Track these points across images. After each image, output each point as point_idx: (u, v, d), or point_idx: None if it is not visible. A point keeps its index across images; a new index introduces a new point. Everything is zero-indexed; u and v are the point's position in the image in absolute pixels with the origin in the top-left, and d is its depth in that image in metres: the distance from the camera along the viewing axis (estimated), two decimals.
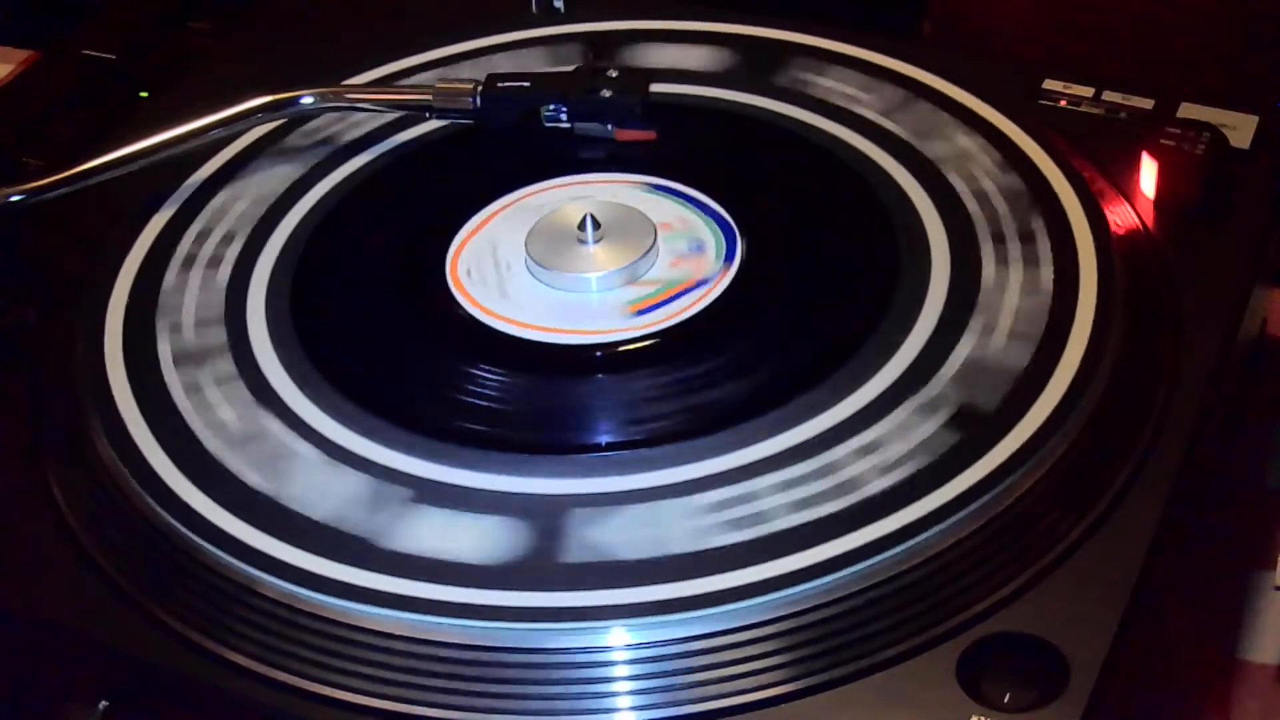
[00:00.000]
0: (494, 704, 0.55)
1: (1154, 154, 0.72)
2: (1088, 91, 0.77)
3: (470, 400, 0.65)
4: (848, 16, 0.82)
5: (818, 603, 0.56)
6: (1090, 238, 0.68)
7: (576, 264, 0.69)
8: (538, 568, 0.58)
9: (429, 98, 0.76)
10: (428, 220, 0.73)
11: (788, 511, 0.59)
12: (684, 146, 0.76)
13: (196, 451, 0.63)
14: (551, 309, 0.69)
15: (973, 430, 0.61)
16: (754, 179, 0.74)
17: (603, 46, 0.80)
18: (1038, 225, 0.69)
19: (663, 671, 0.55)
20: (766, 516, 0.58)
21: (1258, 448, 0.79)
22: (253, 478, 0.62)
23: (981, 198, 0.71)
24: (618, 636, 0.56)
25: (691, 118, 0.77)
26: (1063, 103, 0.77)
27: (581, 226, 0.70)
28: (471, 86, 0.75)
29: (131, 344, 0.68)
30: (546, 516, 0.59)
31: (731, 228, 0.71)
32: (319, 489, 0.61)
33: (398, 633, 0.57)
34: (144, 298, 0.70)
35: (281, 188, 0.75)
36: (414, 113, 0.77)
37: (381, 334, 0.69)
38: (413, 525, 0.59)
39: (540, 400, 0.65)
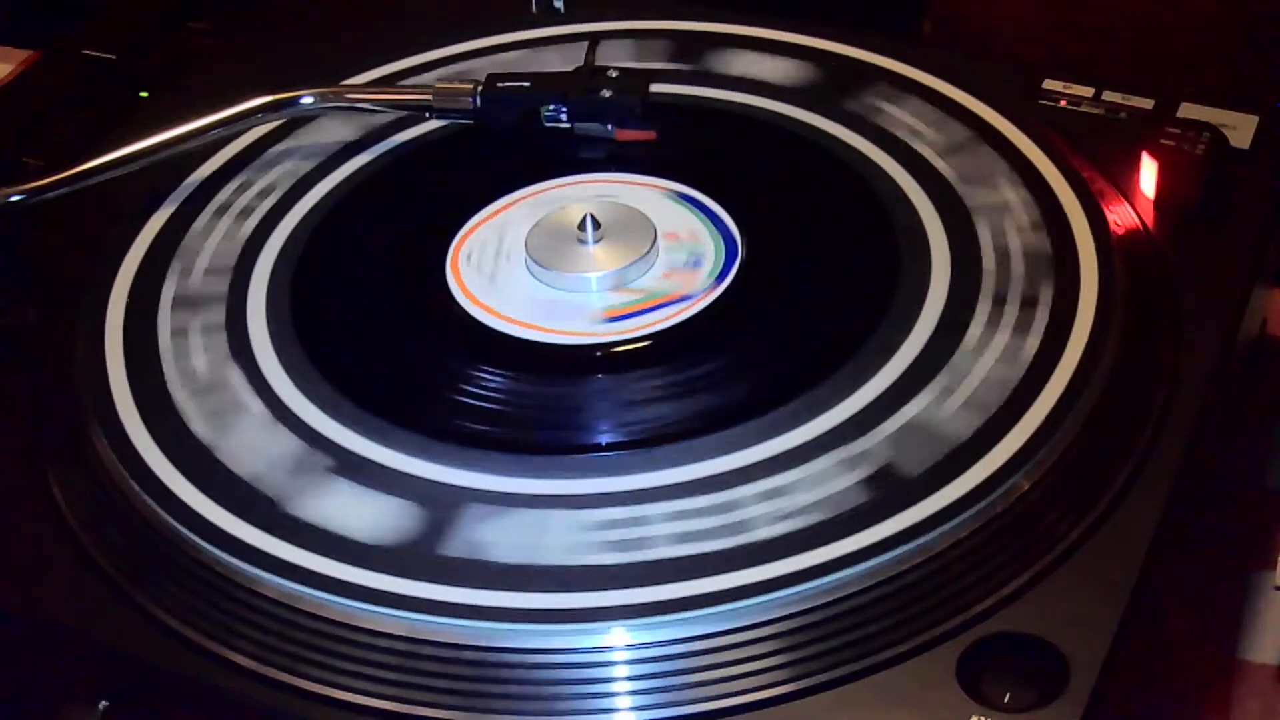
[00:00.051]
0: (494, 704, 0.55)
1: (1154, 154, 0.72)
2: (1088, 91, 0.77)
3: (441, 391, 0.65)
4: (848, 16, 0.82)
5: (818, 603, 0.56)
6: (1090, 238, 0.68)
7: (568, 262, 0.69)
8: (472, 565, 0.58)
9: (429, 98, 0.76)
10: (428, 220, 0.73)
11: (788, 513, 0.59)
12: (684, 146, 0.76)
13: (196, 451, 0.63)
14: (531, 303, 0.69)
15: (970, 433, 0.61)
16: (754, 179, 0.74)
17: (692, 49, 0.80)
18: (1037, 225, 0.69)
19: (663, 672, 0.55)
20: (757, 522, 0.58)
21: (1258, 448, 0.79)
22: (253, 479, 0.62)
23: (981, 198, 0.71)
24: (618, 637, 0.56)
25: (691, 118, 0.77)
26: (1063, 103, 0.77)
27: (581, 226, 0.70)
28: (471, 86, 0.75)
29: (131, 344, 0.68)
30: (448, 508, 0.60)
31: (736, 247, 0.70)
32: (330, 500, 0.61)
33: (398, 633, 0.57)
34: (144, 297, 0.70)
35: (282, 188, 0.75)
36: (414, 113, 0.77)
37: (381, 334, 0.69)
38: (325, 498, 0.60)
39: (496, 394, 0.65)
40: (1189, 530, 0.66)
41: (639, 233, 0.70)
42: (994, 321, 0.65)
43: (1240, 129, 0.74)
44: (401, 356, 0.67)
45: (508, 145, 0.76)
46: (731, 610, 0.56)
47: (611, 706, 0.55)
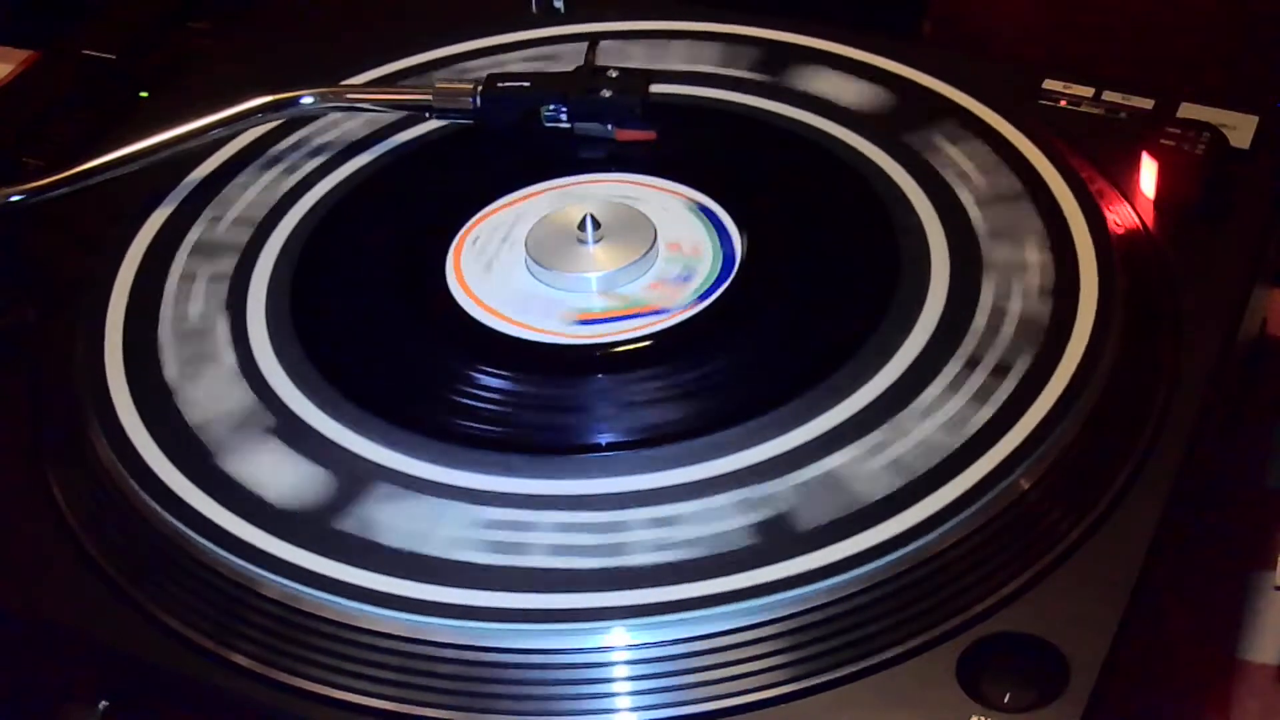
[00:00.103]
0: (494, 704, 0.55)
1: (1154, 154, 0.72)
2: (1088, 91, 0.77)
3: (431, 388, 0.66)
4: (848, 16, 0.82)
5: (818, 603, 0.56)
6: (1090, 238, 0.68)
7: (562, 260, 0.69)
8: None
9: (429, 98, 0.76)
10: (428, 220, 0.73)
11: (788, 514, 0.59)
12: (684, 146, 0.76)
13: (196, 451, 0.63)
14: (513, 295, 0.69)
15: (970, 433, 0.61)
16: (754, 179, 0.74)
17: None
18: (1037, 225, 0.69)
19: (663, 671, 0.55)
20: (735, 536, 0.58)
21: (1258, 448, 0.79)
22: (255, 480, 0.62)
23: (981, 198, 0.71)
24: (618, 637, 0.56)
25: (691, 118, 0.77)
26: (1063, 103, 0.77)
27: (582, 226, 0.70)
28: (471, 86, 0.75)
29: (131, 344, 0.68)
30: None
31: (731, 267, 0.69)
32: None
33: (398, 633, 0.57)
34: (144, 297, 0.70)
35: (282, 188, 0.75)
36: (414, 113, 0.77)
37: (381, 334, 0.69)
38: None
39: (459, 385, 0.66)
40: (1189, 530, 0.66)
41: (638, 237, 0.70)
42: (994, 322, 0.65)
43: (1240, 129, 0.74)
44: (401, 356, 0.67)
45: (508, 145, 0.76)
46: (732, 610, 0.56)
47: (611, 706, 0.55)
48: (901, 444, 0.61)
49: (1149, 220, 0.71)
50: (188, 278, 0.71)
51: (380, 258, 0.72)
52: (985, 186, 0.71)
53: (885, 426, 0.61)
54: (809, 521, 0.58)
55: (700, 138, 0.76)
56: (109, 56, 0.85)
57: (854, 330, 0.65)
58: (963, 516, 0.58)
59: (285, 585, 0.58)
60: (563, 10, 0.84)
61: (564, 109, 0.75)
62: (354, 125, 0.78)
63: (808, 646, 0.55)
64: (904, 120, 0.75)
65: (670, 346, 0.66)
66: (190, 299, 0.70)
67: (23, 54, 0.96)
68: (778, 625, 0.56)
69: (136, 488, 0.62)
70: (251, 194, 0.75)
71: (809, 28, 0.81)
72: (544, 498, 0.60)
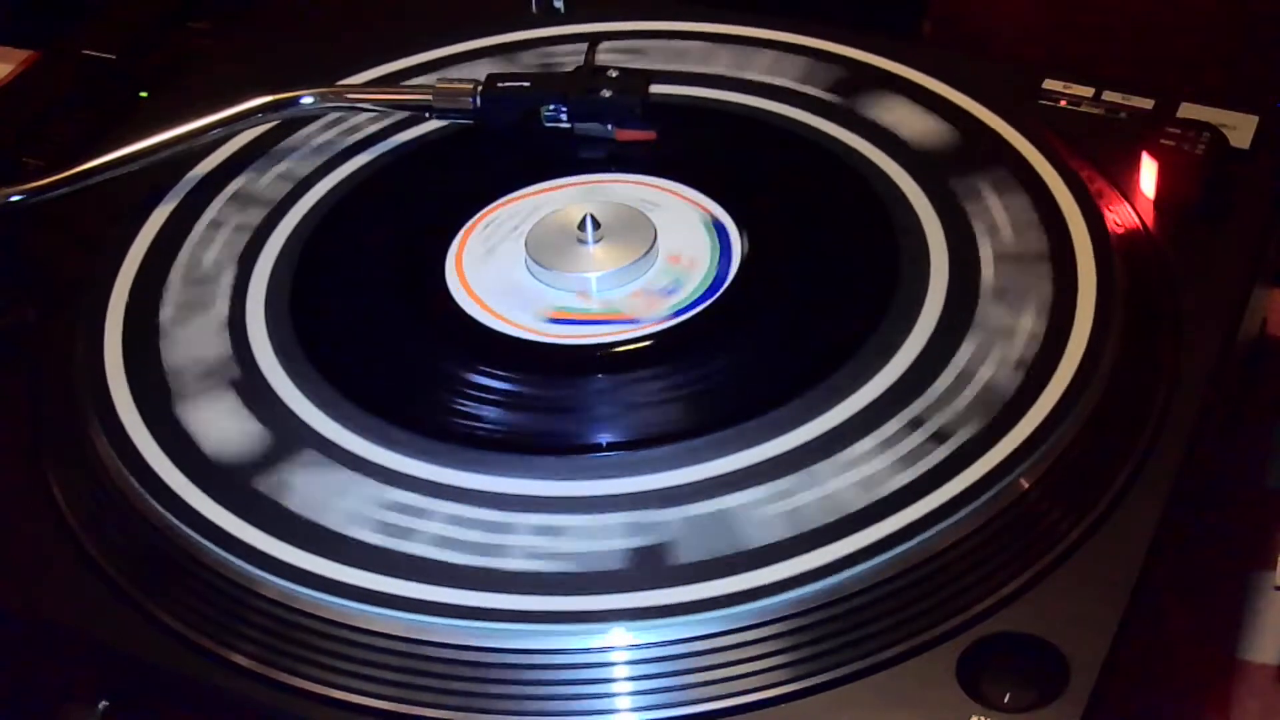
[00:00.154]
0: (494, 704, 0.55)
1: (1154, 154, 0.72)
2: (1088, 91, 0.77)
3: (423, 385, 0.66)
4: (848, 16, 0.82)
5: (818, 603, 0.56)
6: (1089, 238, 0.68)
7: (558, 257, 0.69)
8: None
9: (429, 98, 0.76)
10: (428, 220, 0.73)
11: (788, 515, 0.59)
12: (684, 146, 0.76)
13: (196, 451, 0.63)
14: (501, 285, 0.69)
15: (970, 434, 0.61)
16: (754, 179, 0.74)
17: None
18: (1037, 226, 0.69)
19: (663, 672, 0.55)
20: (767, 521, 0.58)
21: (1258, 448, 0.79)
22: (255, 482, 0.62)
23: (981, 199, 0.71)
24: (618, 637, 0.56)
25: (691, 117, 0.77)
26: (1063, 103, 0.77)
27: (581, 226, 0.70)
28: (471, 86, 0.75)
29: (131, 344, 0.68)
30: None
31: (719, 286, 0.69)
32: (319, 493, 0.61)
33: (398, 633, 0.57)
34: (144, 297, 0.70)
35: (282, 188, 0.75)
36: (414, 113, 0.77)
37: (381, 334, 0.69)
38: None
39: (399, 362, 0.67)
40: (1189, 530, 0.66)
41: (636, 243, 0.70)
42: (994, 322, 0.65)
43: (1240, 129, 0.74)
44: (401, 355, 0.68)
45: (508, 145, 0.76)
46: (732, 611, 0.56)
47: (611, 707, 0.55)
48: (901, 446, 0.61)
49: (1149, 220, 0.71)
50: (188, 277, 0.71)
51: (380, 257, 0.72)
52: (986, 186, 0.71)
53: (885, 427, 0.61)
54: (806, 524, 0.58)
55: (707, 138, 0.76)
56: (109, 56, 0.85)
57: (852, 332, 0.65)
58: (962, 516, 0.58)
59: (285, 586, 0.58)
60: (563, 10, 0.84)
61: (564, 109, 0.75)
62: (354, 125, 0.78)
63: (808, 646, 0.55)
64: (903, 120, 0.75)
65: (623, 358, 0.66)
66: (191, 298, 0.70)
67: (23, 54, 0.96)
68: (778, 625, 0.56)
69: (137, 487, 0.62)
70: (251, 194, 0.75)
71: (809, 27, 0.81)
72: (444, 487, 0.61)
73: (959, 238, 0.69)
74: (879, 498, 0.59)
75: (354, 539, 0.59)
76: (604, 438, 0.63)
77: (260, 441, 0.63)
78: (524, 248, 0.70)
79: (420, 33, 0.83)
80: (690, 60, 0.80)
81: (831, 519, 0.58)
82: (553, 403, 0.65)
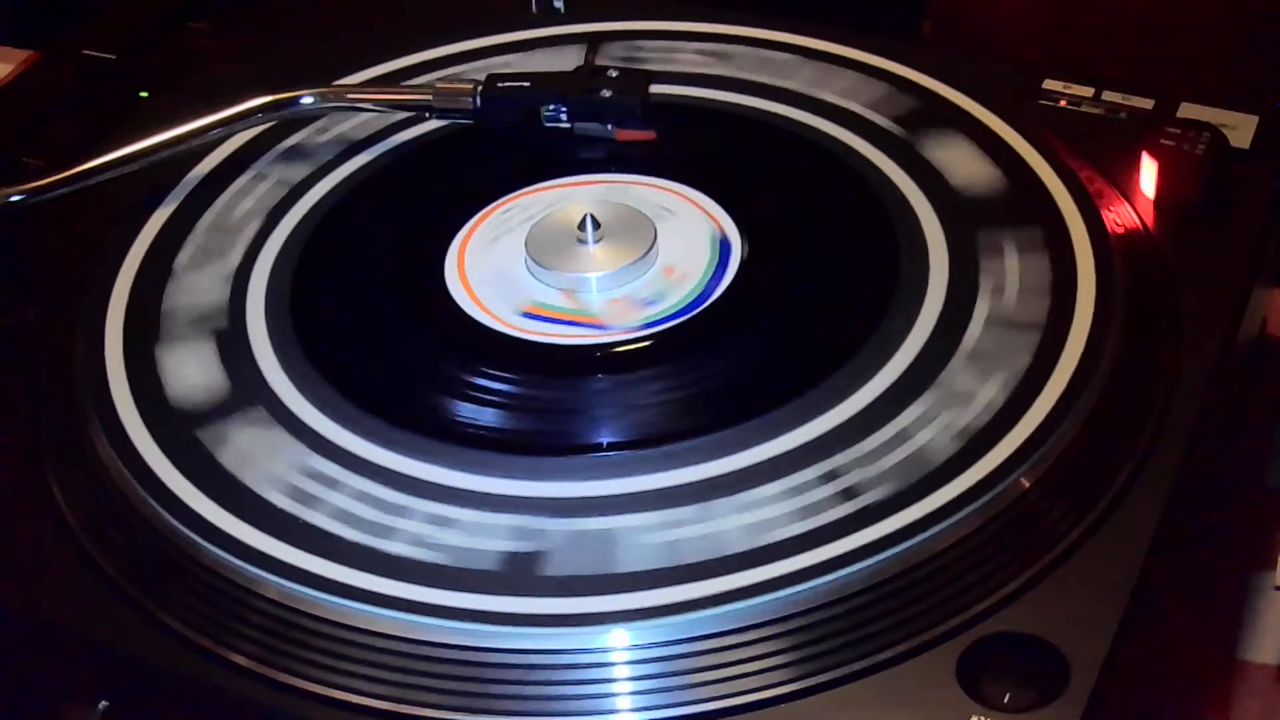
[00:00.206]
0: (494, 704, 0.55)
1: (1154, 154, 0.72)
2: (1088, 91, 0.77)
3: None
4: (848, 16, 0.82)
5: (819, 602, 0.56)
6: (1088, 238, 0.68)
7: (551, 252, 0.69)
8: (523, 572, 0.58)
9: (429, 98, 0.76)
10: (428, 220, 0.73)
11: (788, 517, 0.59)
12: (684, 146, 0.76)
13: (196, 452, 0.63)
14: (492, 273, 0.70)
15: (970, 434, 0.61)
16: (754, 179, 0.74)
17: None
18: (1037, 226, 0.69)
19: (664, 671, 0.55)
20: (770, 523, 0.58)
21: (1258, 448, 0.79)
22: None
23: (981, 199, 0.71)
24: (619, 637, 0.56)
25: (691, 117, 0.77)
26: (1063, 103, 0.77)
27: (581, 226, 0.70)
28: (471, 86, 0.75)
29: (131, 344, 0.68)
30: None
31: (697, 305, 0.68)
32: (252, 450, 0.62)
33: (398, 634, 0.57)
34: (144, 297, 0.70)
35: (282, 188, 0.75)
36: (414, 113, 0.77)
37: (381, 334, 0.69)
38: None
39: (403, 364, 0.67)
40: (1189, 530, 0.66)
41: (634, 247, 0.69)
42: (994, 323, 0.65)
43: (1240, 129, 0.74)
44: (401, 355, 0.68)
45: (508, 145, 0.76)
46: (732, 610, 0.56)
47: (612, 707, 0.55)
48: (902, 447, 0.61)
49: (1149, 220, 0.71)
50: (188, 277, 0.71)
51: (380, 256, 0.72)
52: (984, 187, 0.71)
53: (884, 427, 0.61)
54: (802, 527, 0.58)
55: (707, 138, 0.76)
56: (109, 56, 0.85)
57: (854, 330, 0.65)
58: (963, 516, 0.58)
59: (285, 586, 0.58)
60: (563, 10, 0.84)
61: (564, 109, 0.75)
62: (354, 125, 0.78)
63: (808, 646, 0.55)
64: (904, 120, 0.75)
65: (566, 361, 0.66)
66: (190, 298, 0.70)
67: (23, 54, 0.96)
68: (778, 625, 0.56)
69: (137, 487, 0.62)
70: (251, 194, 0.75)
71: (809, 28, 0.81)
72: (368, 464, 0.62)
73: (958, 239, 0.69)
74: (873, 502, 0.59)
75: (260, 496, 0.60)
76: (524, 436, 0.63)
77: (220, 392, 0.65)
78: (524, 240, 0.70)
79: (420, 33, 0.83)
80: (697, 62, 0.80)
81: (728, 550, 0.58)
82: (482, 393, 0.65)
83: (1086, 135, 0.75)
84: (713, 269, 0.69)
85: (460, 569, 0.58)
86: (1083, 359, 0.63)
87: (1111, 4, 0.95)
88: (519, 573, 0.57)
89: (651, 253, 0.69)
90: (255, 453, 0.62)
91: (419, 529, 0.59)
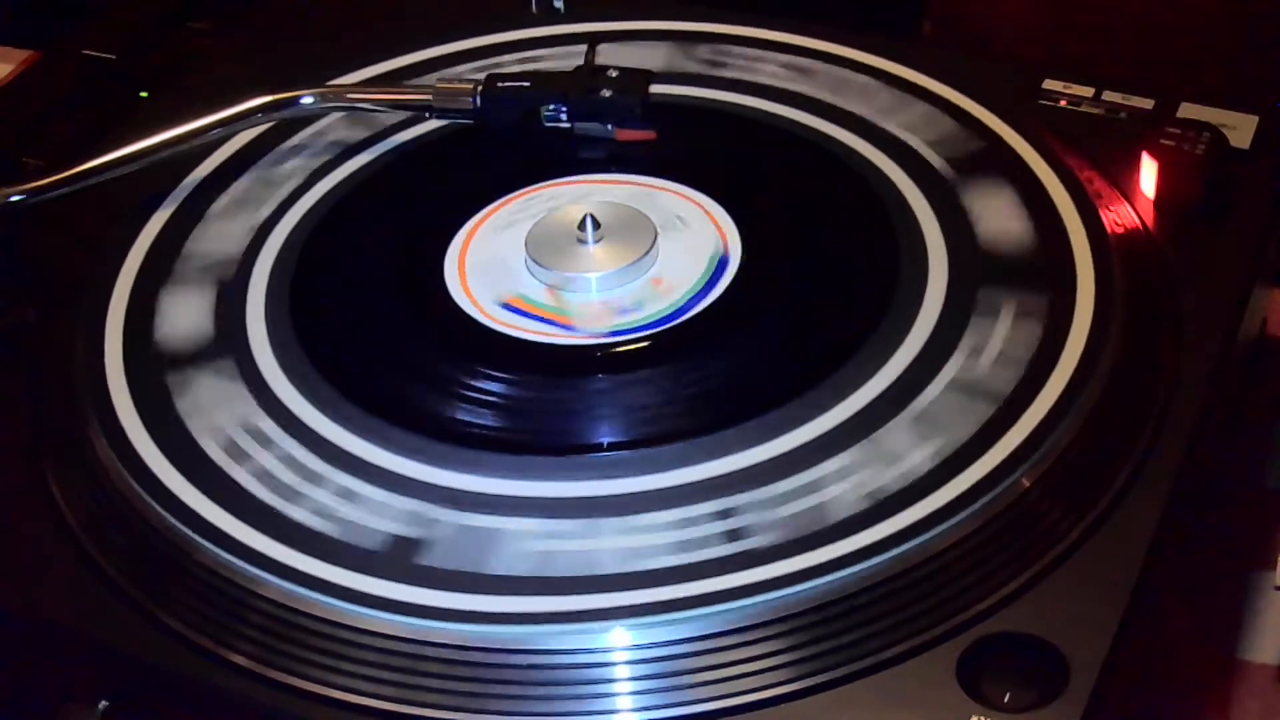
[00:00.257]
0: (494, 704, 0.55)
1: (1154, 154, 0.72)
2: (1088, 91, 0.77)
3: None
4: (848, 16, 0.82)
5: (818, 603, 0.56)
6: (1088, 238, 0.68)
7: (549, 250, 0.69)
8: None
9: (429, 98, 0.76)
10: (428, 220, 0.73)
11: (789, 516, 0.59)
12: (684, 146, 0.76)
13: (195, 452, 0.63)
14: (488, 260, 0.70)
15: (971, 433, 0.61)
16: (754, 179, 0.74)
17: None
18: (1036, 226, 0.69)
19: (663, 672, 0.55)
20: (766, 524, 0.58)
21: (1258, 448, 0.79)
22: (253, 482, 0.62)
23: (980, 199, 0.71)
24: (618, 637, 0.56)
25: (691, 117, 0.77)
26: (1063, 103, 0.77)
27: (581, 226, 0.70)
28: (471, 86, 0.75)
29: (131, 344, 0.68)
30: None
31: (677, 316, 0.67)
32: (324, 502, 0.61)
33: (398, 634, 0.57)
34: (144, 298, 0.70)
35: (282, 188, 0.75)
36: (414, 113, 0.77)
37: (382, 334, 0.69)
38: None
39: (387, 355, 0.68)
40: (1189, 530, 0.66)
41: (631, 251, 0.69)
42: (993, 322, 0.65)
43: (1240, 129, 0.74)
44: (401, 355, 0.68)
45: (508, 145, 0.76)
46: (732, 610, 0.56)
47: (612, 707, 0.55)
48: (900, 448, 0.61)
49: (1149, 220, 0.71)
50: (188, 276, 0.71)
51: (380, 256, 0.72)
52: (985, 187, 0.71)
53: (886, 427, 0.61)
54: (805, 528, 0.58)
55: (706, 138, 0.76)
56: (109, 56, 0.85)
57: (854, 330, 0.65)
58: (963, 516, 0.58)
59: (284, 586, 0.58)
60: (563, 10, 0.84)
61: (564, 109, 0.75)
62: (354, 125, 0.78)
63: (808, 646, 0.55)
64: (904, 121, 0.75)
65: (513, 356, 0.66)
66: (190, 298, 0.70)
67: (23, 54, 0.96)
68: (778, 625, 0.56)
69: (136, 488, 0.62)
70: (251, 194, 0.75)
71: (809, 28, 0.81)
72: (339, 451, 0.62)
73: (957, 239, 0.69)
74: (883, 498, 0.59)
75: (210, 459, 0.62)
76: (458, 425, 0.63)
77: (205, 337, 0.67)
78: (527, 234, 0.70)
79: (420, 33, 0.83)
80: (691, 60, 0.80)
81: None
82: (436, 376, 0.66)
83: (1086, 135, 0.75)
84: (699, 287, 0.68)
85: (460, 570, 0.58)
86: (1083, 359, 0.63)
87: (1111, 4, 0.95)
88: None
89: (646, 259, 0.69)
90: (216, 409, 0.64)
91: (326, 501, 0.60)
